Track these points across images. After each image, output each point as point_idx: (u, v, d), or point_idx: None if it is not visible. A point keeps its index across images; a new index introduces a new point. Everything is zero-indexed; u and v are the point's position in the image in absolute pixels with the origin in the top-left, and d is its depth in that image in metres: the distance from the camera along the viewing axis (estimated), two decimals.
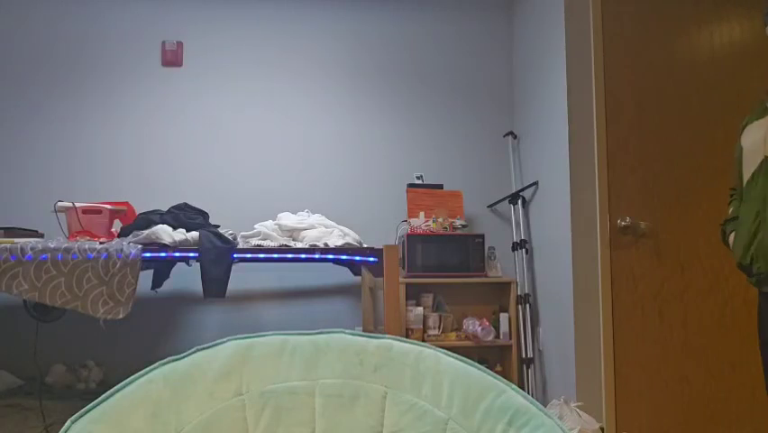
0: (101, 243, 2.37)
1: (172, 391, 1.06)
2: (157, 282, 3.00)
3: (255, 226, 2.72)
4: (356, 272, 3.05)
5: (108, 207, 2.66)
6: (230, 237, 2.57)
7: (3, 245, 2.23)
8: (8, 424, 2.38)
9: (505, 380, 1.15)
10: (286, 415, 1.07)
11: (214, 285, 2.44)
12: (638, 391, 2.63)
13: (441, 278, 3.14)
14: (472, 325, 3.15)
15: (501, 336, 3.19)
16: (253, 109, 3.46)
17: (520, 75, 3.51)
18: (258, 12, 3.52)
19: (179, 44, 3.42)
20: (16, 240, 2.34)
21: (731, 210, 1.75)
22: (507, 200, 3.43)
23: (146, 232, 2.42)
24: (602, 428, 2.60)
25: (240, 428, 1.04)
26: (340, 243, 2.60)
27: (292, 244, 2.63)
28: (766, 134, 1.54)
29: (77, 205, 2.58)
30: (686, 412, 2.44)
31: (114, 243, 2.39)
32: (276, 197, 3.37)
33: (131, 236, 2.49)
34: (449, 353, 1.22)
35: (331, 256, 2.58)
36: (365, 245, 2.64)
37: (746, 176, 1.61)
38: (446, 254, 3.17)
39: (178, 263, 3.06)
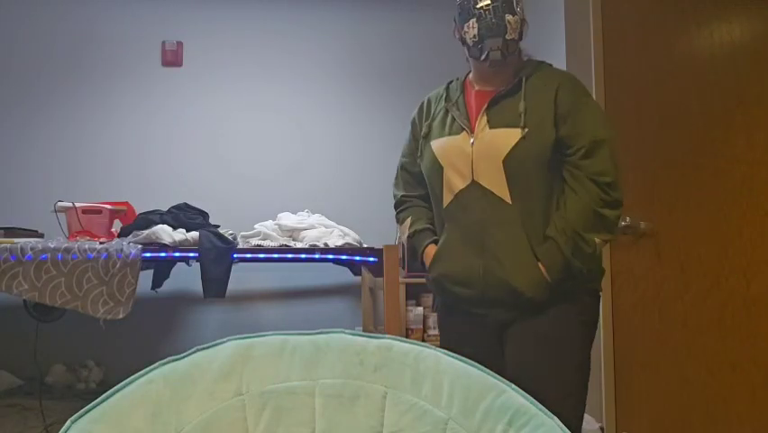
0: (101, 243, 2.37)
1: (172, 391, 1.06)
2: (157, 282, 3.00)
3: (255, 226, 2.72)
4: (356, 272, 3.05)
5: (108, 207, 2.66)
6: (230, 237, 2.57)
7: (3, 245, 2.23)
8: (8, 424, 2.38)
9: (505, 380, 1.15)
10: (286, 415, 1.07)
11: (214, 285, 2.44)
12: (638, 391, 2.63)
13: None
14: None
15: None
16: (253, 109, 3.46)
17: None
18: (258, 12, 3.51)
19: (179, 44, 3.42)
20: (16, 240, 2.34)
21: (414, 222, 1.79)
22: None
23: (146, 232, 2.43)
24: (602, 428, 2.60)
25: (240, 428, 1.04)
26: (340, 243, 2.60)
27: (292, 244, 2.63)
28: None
29: (77, 205, 2.58)
30: (686, 412, 2.44)
31: (114, 243, 2.39)
32: (276, 197, 3.37)
33: (131, 236, 2.49)
34: (449, 353, 1.22)
35: (331, 256, 2.58)
36: (365, 245, 2.64)
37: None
38: None
39: (178, 263, 3.06)
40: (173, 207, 2.71)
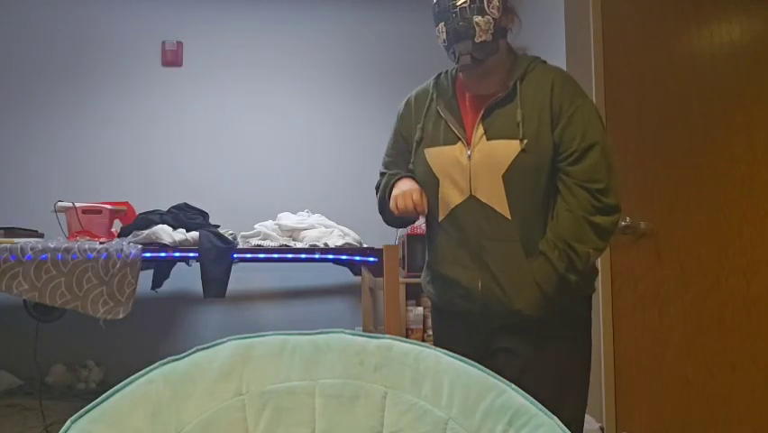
0: (101, 243, 2.37)
1: (172, 391, 1.06)
2: (157, 282, 3.00)
3: (255, 226, 2.72)
4: (356, 272, 3.05)
5: (108, 207, 2.66)
6: (230, 237, 2.57)
7: (3, 245, 2.23)
8: (8, 424, 2.38)
9: (505, 380, 1.15)
10: (286, 415, 1.07)
11: (214, 285, 2.44)
12: (638, 391, 2.63)
13: None
14: None
15: None
16: (253, 109, 3.46)
17: None
18: (258, 12, 3.51)
19: (179, 44, 3.42)
20: (16, 240, 2.34)
21: None
22: None
23: (146, 232, 2.43)
24: (602, 428, 2.60)
25: (240, 428, 1.04)
26: (340, 243, 2.60)
27: (292, 244, 2.63)
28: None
29: (77, 205, 2.58)
30: (686, 412, 2.44)
31: (114, 243, 2.39)
32: (276, 197, 3.37)
33: (131, 236, 2.49)
34: (449, 353, 1.22)
35: (331, 256, 2.58)
36: (365, 245, 2.64)
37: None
38: None
39: (178, 263, 3.06)
40: (173, 207, 2.71)
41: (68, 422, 1.00)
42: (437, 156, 1.55)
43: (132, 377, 1.09)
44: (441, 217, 1.56)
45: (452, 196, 1.52)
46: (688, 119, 2.54)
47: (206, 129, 3.42)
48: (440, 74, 1.71)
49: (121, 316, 2.24)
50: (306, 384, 1.11)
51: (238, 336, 1.18)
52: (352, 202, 3.45)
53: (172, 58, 3.41)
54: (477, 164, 1.48)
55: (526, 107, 1.47)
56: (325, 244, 2.57)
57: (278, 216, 2.81)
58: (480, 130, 1.49)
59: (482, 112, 1.50)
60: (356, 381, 1.12)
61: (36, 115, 3.31)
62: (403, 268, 3.16)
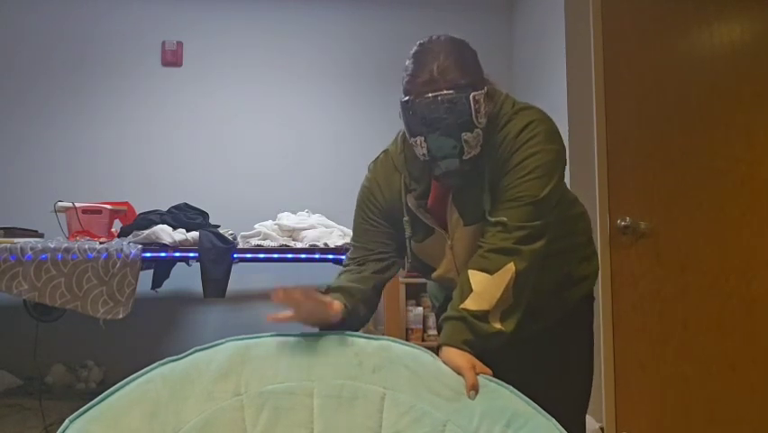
0: (101, 243, 2.37)
1: (170, 391, 1.07)
2: (157, 282, 3.00)
3: (255, 226, 2.72)
4: None
5: (108, 207, 2.66)
6: (230, 237, 2.57)
7: (3, 245, 2.24)
8: (8, 424, 2.38)
9: (503, 382, 1.15)
10: (284, 415, 1.07)
11: (214, 285, 2.44)
12: (638, 391, 2.63)
13: None
14: None
15: None
16: (253, 109, 3.46)
17: (520, 75, 3.51)
18: (258, 12, 3.51)
19: (179, 44, 3.42)
20: (16, 240, 2.34)
21: None
22: None
23: (146, 232, 2.43)
24: (602, 428, 2.60)
25: (238, 429, 1.04)
26: (340, 243, 2.60)
27: (292, 243, 2.63)
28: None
29: (77, 205, 2.59)
30: (686, 412, 2.44)
31: (114, 243, 2.39)
32: (276, 197, 3.37)
33: (131, 236, 2.49)
34: None
35: (331, 256, 2.58)
36: None
37: None
38: None
39: (178, 263, 3.06)
40: (173, 207, 2.72)
41: (66, 421, 1.01)
42: (424, 249, 1.44)
43: (131, 377, 1.09)
44: (434, 275, 1.49)
45: (440, 270, 1.45)
46: (687, 119, 2.53)
47: (206, 129, 3.41)
48: (404, 147, 1.44)
49: (121, 316, 2.24)
50: (305, 385, 1.11)
51: (236, 337, 1.18)
52: (351, 202, 3.43)
53: (172, 58, 3.40)
54: (460, 252, 1.36)
55: (494, 186, 1.29)
56: (325, 244, 2.57)
57: (278, 216, 2.82)
58: (455, 214, 1.33)
59: (451, 194, 1.33)
60: (355, 381, 1.12)
61: (36, 114, 3.31)
62: (403, 268, 3.15)
